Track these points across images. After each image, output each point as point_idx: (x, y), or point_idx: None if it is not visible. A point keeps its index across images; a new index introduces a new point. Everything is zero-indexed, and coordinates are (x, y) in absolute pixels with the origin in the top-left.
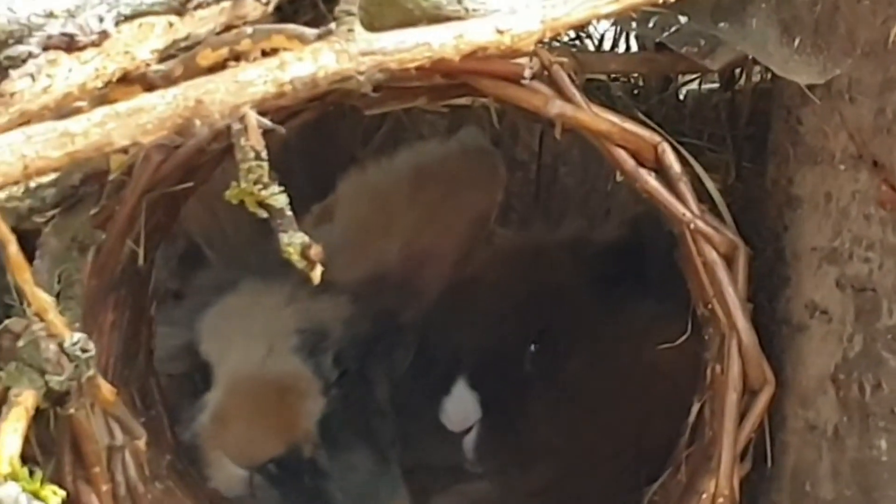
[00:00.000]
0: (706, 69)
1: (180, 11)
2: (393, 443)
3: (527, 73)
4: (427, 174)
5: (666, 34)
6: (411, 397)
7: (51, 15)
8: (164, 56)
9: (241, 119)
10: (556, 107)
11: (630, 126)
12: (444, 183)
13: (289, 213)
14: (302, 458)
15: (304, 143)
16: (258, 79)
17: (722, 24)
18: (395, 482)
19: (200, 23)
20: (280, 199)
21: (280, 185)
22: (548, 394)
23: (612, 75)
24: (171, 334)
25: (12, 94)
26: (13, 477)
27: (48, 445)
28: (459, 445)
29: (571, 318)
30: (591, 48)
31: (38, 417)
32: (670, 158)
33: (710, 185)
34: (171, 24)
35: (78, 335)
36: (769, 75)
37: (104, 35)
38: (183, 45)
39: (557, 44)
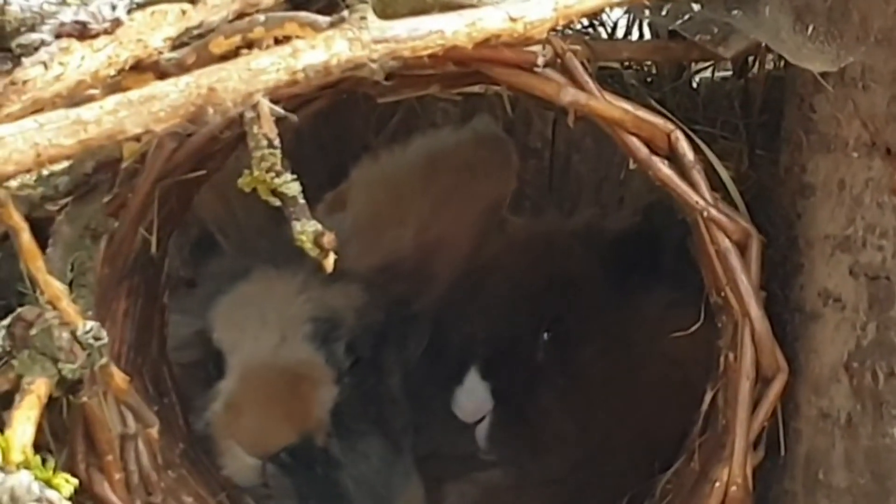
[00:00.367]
0: (719, 57)
1: None
2: (405, 431)
3: (540, 60)
4: (440, 162)
5: (679, 22)
6: (424, 386)
7: (63, 3)
8: (177, 44)
9: (254, 107)
10: (569, 94)
11: (643, 114)
12: (456, 171)
13: (301, 200)
14: (314, 447)
15: (317, 131)
16: (271, 66)
17: (735, 12)
18: (407, 470)
19: (213, 10)
20: (293, 187)
21: (293, 172)
22: (560, 383)
23: (625, 63)
24: (183, 322)
25: (25, 82)
26: (26, 465)
27: (61, 434)
28: (472, 434)
29: (584, 306)
30: (604, 36)
31: (51, 406)
32: (683, 146)
33: (724, 173)
34: (183, 12)
35: (91, 323)
36: (782, 63)
37: (117, 23)
38: (195, 32)
39: (570, 31)
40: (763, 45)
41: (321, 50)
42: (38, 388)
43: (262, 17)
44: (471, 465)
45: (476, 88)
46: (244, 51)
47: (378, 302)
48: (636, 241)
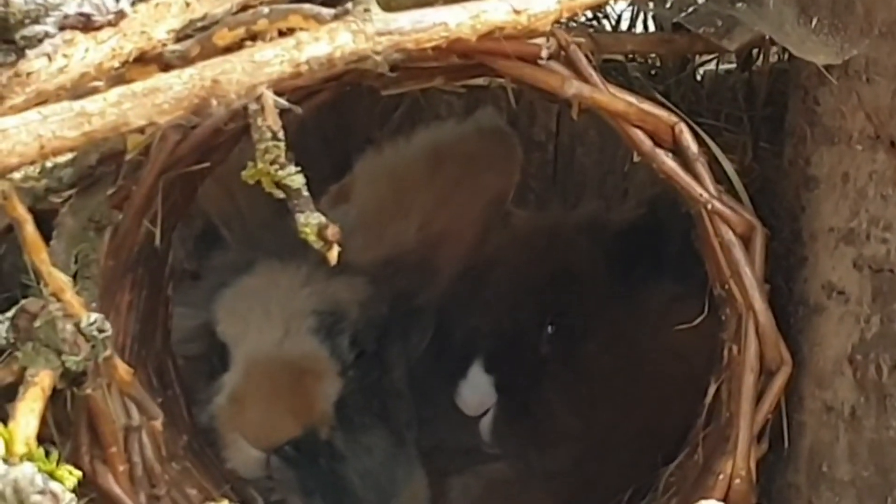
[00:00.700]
0: (723, 50)
1: None
2: (409, 424)
3: (544, 53)
4: (444, 155)
5: (683, 14)
6: (427, 380)
7: None
8: (181, 36)
9: (258, 99)
10: (574, 87)
11: (647, 106)
12: (460, 164)
13: (305, 193)
14: (319, 440)
15: (321, 124)
16: (275, 59)
17: (739, 5)
18: (411, 463)
19: (217, 2)
20: (297, 180)
21: (297, 165)
22: (564, 376)
23: (630, 56)
24: (187, 315)
25: (29, 74)
26: (29, 457)
27: (65, 426)
28: (476, 428)
29: (588, 299)
30: (609, 28)
31: (55, 398)
32: (687, 139)
33: (728, 166)
34: (187, 4)
35: (95, 315)
36: (786, 56)
37: (121, 15)
38: (199, 24)
39: (574, 24)
40: (767, 37)
41: (325, 42)
42: (41, 381)
43: (265, 10)
44: (475, 458)
45: (480, 81)
46: (248, 43)
47: (382, 295)
48: (640, 233)
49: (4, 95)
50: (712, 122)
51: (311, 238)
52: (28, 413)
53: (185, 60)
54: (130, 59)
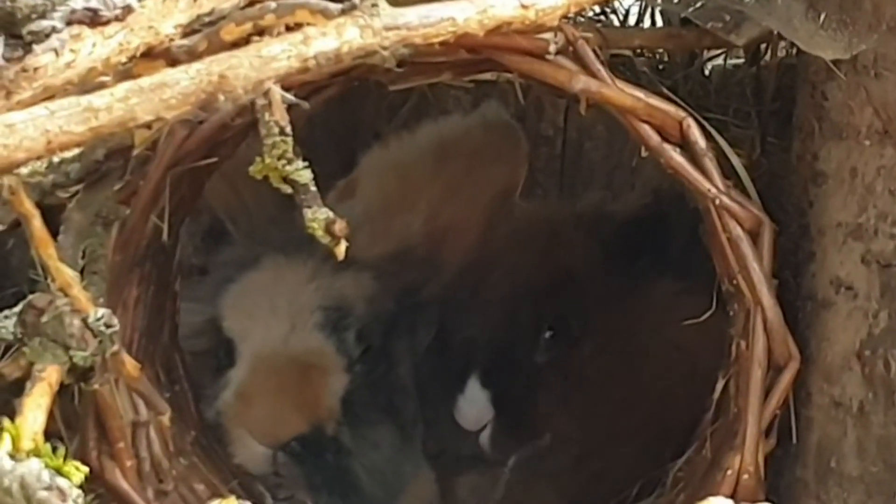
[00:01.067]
0: (731, 44)
1: None
2: (415, 419)
3: (551, 48)
4: (449, 148)
5: (691, 9)
6: (429, 388)
7: None
8: (188, 31)
9: (265, 94)
10: (581, 82)
11: (655, 101)
12: (466, 157)
13: (313, 188)
14: (325, 436)
15: (329, 119)
16: (282, 54)
17: (747, 0)
18: (418, 459)
19: None
20: (304, 175)
21: (304, 160)
22: (560, 383)
23: (637, 51)
24: (194, 310)
25: (36, 69)
26: (36, 453)
27: (72, 421)
28: (476, 438)
29: (588, 299)
30: (616, 23)
31: (63, 393)
32: (695, 134)
33: (736, 161)
34: None
35: (102, 310)
36: (794, 50)
37: (128, 10)
38: (207, 19)
39: (582, 19)
40: (775, 32)
41: (332, 37)
42: (49, 376)
43: (273, 5)
44: (479, 463)
45: (488, 76)
46: (255, 38)
47: (388, 290)
48: (643, 226)
49: (11, 90)
50: (720, 117)
51: (319, 233)
52: (35, 408)
53: (193, 55)
54: (137, 54)
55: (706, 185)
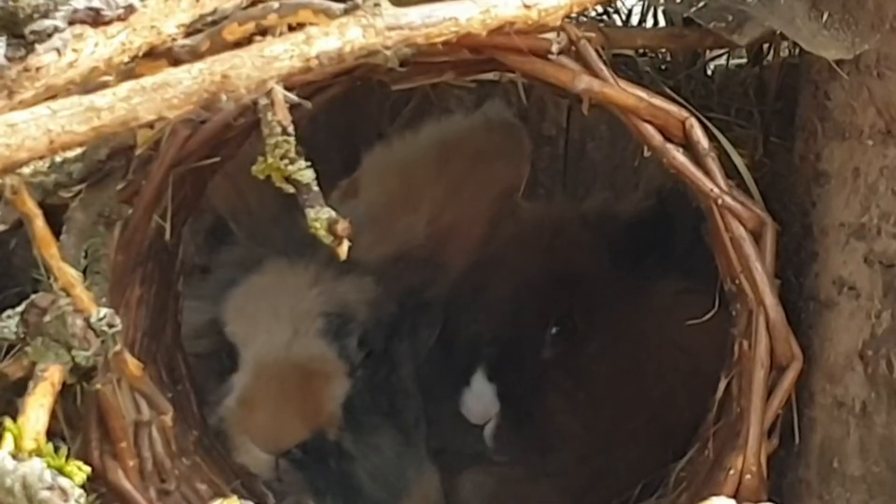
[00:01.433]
0: (734, 44)
1: None
2: (418, 422)
3: (554, 48)
4: (452, 148)
5: (694, 9)
6: (433, 385)
7: None
8: (191, 31)
9: (268, 94)
10: (584, 82)
11: (657, 101)
12: (469, 157)
13: (316, 188)
14: (327, 442)
15: (332, 119)
16: (284, 53)
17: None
18: (420, 461)
19: None
20: (307, 175)
21: (307, 160)
22: (566, 378)
23: (640, 50)
24: (197, 309)
25: (38, 69)
26: (38, 453)
27: (75, 421)
28: (480, 433)
29: (593, 298)
30: (619, 23)
31: (65, 393)
32: (698, 134)
33: (738, 161)
34: None
35: (104, 310)
36: (797, 50)
37: (130, 9)
38: (209, 19)
39: (585, 19)
40: (778, 32)
41: (335, 37)
42: (51, 376)
43: (275, 4)
44: (482, 460)
45: (490, 76)
46: (258, 38)
47: (390, 293)
48: (648, 226)
49: (14, 90)
50: (723, 116)
51: (322, 233)
52: (38, 408)
53: (195, 55)
54: (140, 54)
55: (709, 185)
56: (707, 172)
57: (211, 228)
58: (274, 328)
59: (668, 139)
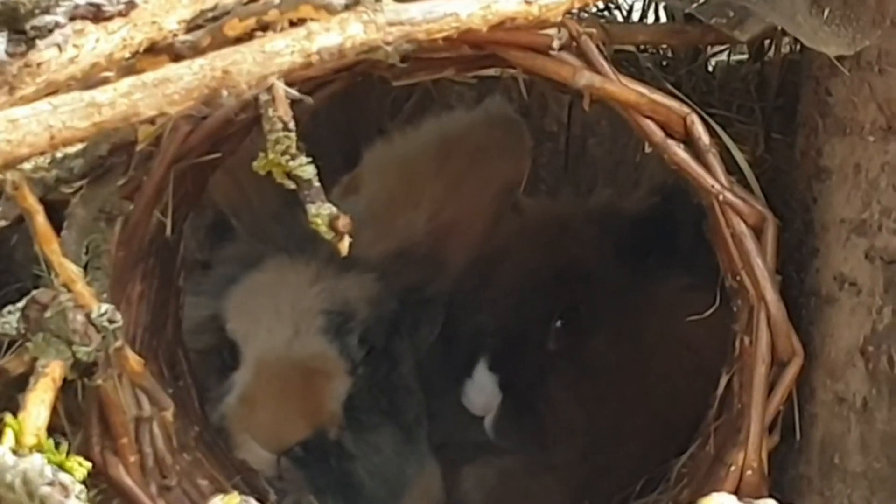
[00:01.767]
0: (735, 40)
1: None
2: (419, 419)
3: (555, 43)
4: (453, 144)
5: (695, 5)
6: (435, 376)
7: None
8: (192, 26)
9: (269, 89)
10: (585, 78)
11: (659, 97)
12: (470, 153)
13: (317, 184)
14: (328, 441)
15: (333, 114)
16: (285, 49)
17: None
18: (422, 458)
19: None
20: (308, 170)
21: (308, 156)
22: (570, 371)
23: (641, 46)
24: (198, 304)
25: (39, 65)
26: (39, 448)
27: (76, 416)
28: (482, 424)
29: (598, 291)
30: (620, 19)
31: (66, 388)
32: (699, 130)
33: (739, 157)
34: None
35: (105, 306)
36: (798, 46)
37: (131, 5)
38: (210, 15)
39: (586, 14)
40: (779, 28)
41: (336, 32)
42: (52, 371)
43: (276, 0)
44: (485, 451)
45: (491, 72)
46: (259, 33)
47: (391, 290)
48: (653, 223)
49: (15, 86)
50: (724, 112)
51: (322, 229)
52: (38, 404)
53: (196, 51)
54: (141, 50)
55: (710, 181)
56: (708, 168)
57: (212, 224)
58: (275, 326)
59: (669, 135)
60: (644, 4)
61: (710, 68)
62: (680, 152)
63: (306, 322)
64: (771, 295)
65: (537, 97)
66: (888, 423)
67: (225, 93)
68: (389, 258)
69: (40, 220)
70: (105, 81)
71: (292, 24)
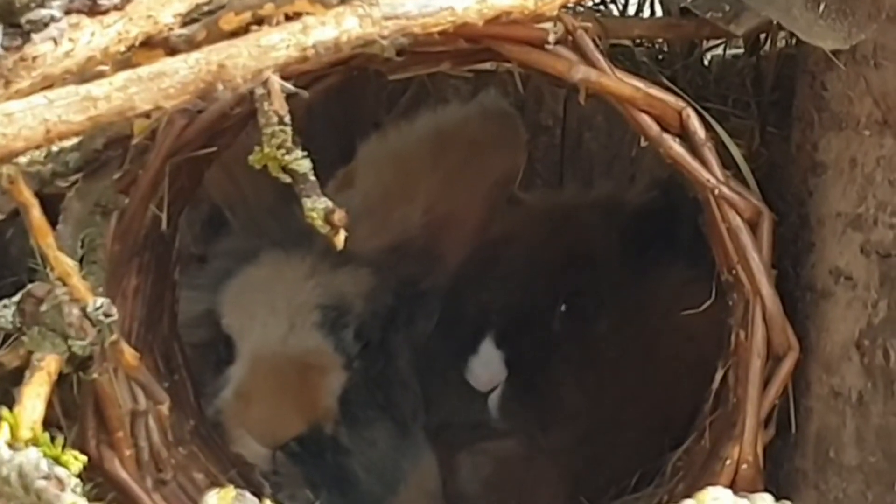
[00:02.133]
0: (731, 34)
1: None
2: (415, 413)
3: (551, 37)
4: (448, 137)
5: None
6: (437, 355)
7: None
8: (187, 20)
9: (265, 83)
10: (581, 72)
11: (654, 91)
12: (465, 146)
13: (312, 178)
14: (323, 436)
15: (328, 108)
16: (281, 43)
17: None
18: (417, 452)
19: None
20: (303, 164)
21: (303, 150)
22: (574, 355)
23: (637, 40)
24: (193, 298)
25: (34, 58)
26: (34, 442)
27: (71, 410)
28: (484, 403)
29: (602, 279)
30: (616, 13)
31: (62, 382)
32: (695, 124)
33: (735, 151)
34: None
35: (101, 300)
36: (794, 40)
37: None
38: (206, 9)
39: (582, 8)
40: (775, 22)
41: (331, 26)
42: (48, 365)
43: None
44: (483, 433)
45: (487, 66)
46: (254, 27)
47: (387, 284)
48: (655, 215)
49: (10, 80)
50: (720, 107)
51: (318, 223)
52: (34, 397)
53: (192, 45)
54: (136, 44)
55: (705, 175)
56: (703, 162)
57: (207, 218)
58: (270, 321)
59: (664, 129)
60: None
61: (706, 62)
62: (675, 146)
63: (302, 316)
64: (766, 289)
65: (533, 91)
66: (883, 417)
67: (220, 87)
68: (385, 252)
69: (36, 213)
70: (100, 75)
71: (288, 18)
